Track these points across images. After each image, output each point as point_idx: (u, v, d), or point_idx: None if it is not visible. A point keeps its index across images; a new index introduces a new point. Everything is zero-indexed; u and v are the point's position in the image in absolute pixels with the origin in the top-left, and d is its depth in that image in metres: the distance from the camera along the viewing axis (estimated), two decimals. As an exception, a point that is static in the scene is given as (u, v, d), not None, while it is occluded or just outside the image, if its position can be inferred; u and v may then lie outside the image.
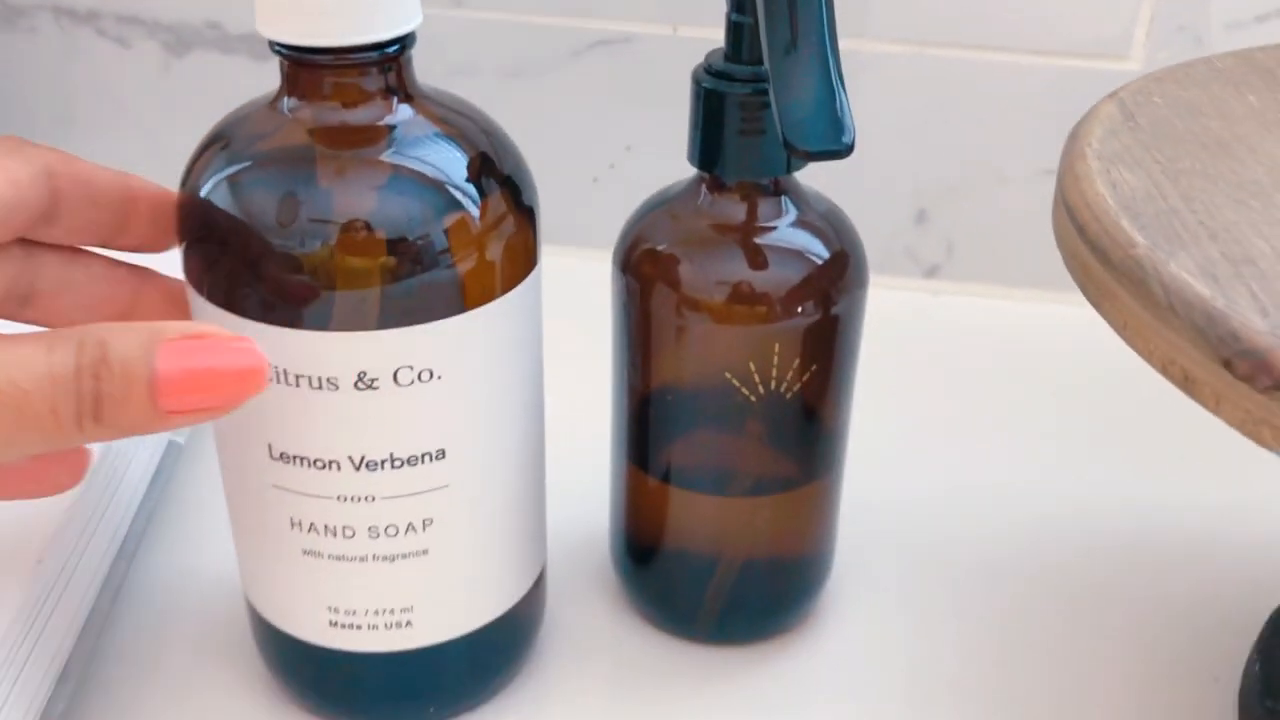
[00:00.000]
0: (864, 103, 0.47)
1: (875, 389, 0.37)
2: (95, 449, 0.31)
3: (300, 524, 0.26)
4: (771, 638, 0.32)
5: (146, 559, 0.34)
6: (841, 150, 0.24)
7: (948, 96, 0.46)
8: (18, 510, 0.29)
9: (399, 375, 0.24)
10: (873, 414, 0.36)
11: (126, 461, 0.33)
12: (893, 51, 0.46)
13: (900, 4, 0.45)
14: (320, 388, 0.24)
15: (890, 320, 0.46)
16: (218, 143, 0.25)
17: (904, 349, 0.45)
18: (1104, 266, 0.21)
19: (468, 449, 0.26)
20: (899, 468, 0.39)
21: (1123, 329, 0.20)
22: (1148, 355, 0.20)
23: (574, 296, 0.37)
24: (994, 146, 0.47)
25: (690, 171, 0.29)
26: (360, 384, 0.24)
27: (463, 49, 0.48)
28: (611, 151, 0.49)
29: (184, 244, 0.25)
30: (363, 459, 0.25)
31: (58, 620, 0.28)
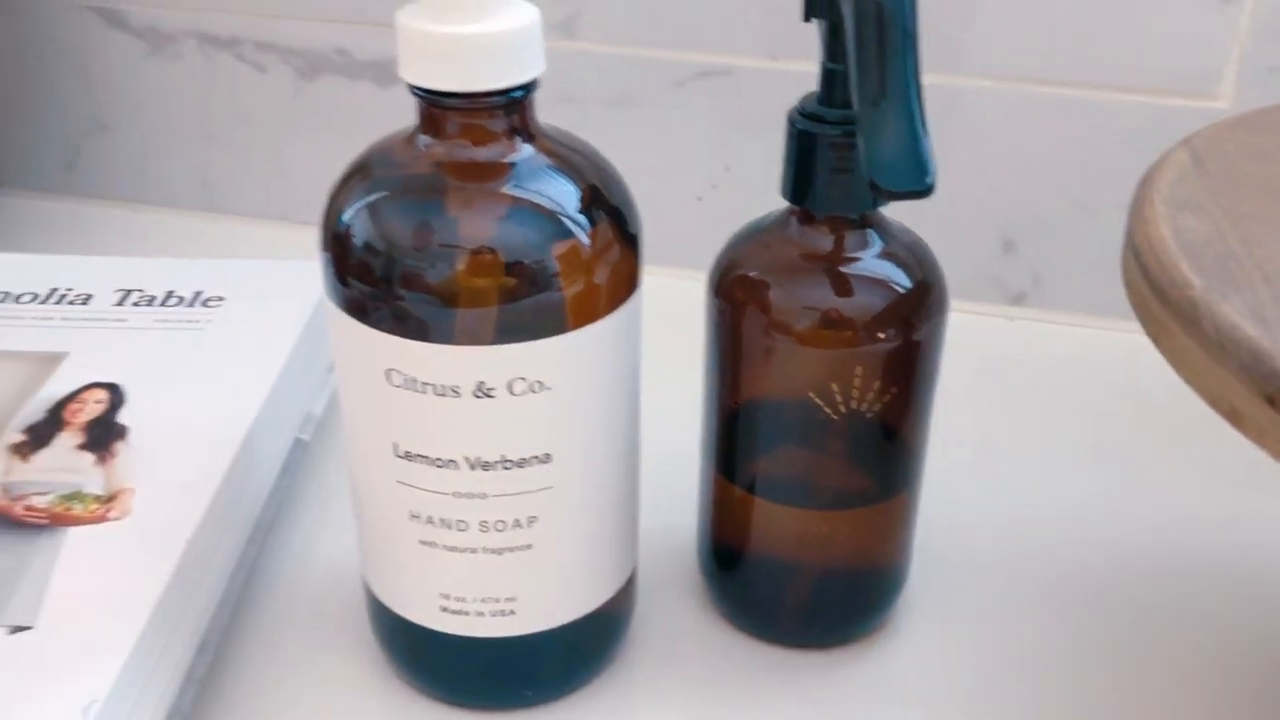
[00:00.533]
0: (955, 133, 0.49)
1: (959, 410, 0.39)
2: (234, 442, 0.34)
3: (419, 516, 0.29)
4: (847, 643, 0.34)
5: (275, 544, 0.37)
6: (924, 190, 0.26)
7: (1038, 130, 0.48)
8: (172, 493, 0.32)
9: (513, 386, 0.27)
10: (955, 434, 0.38)
11: (260, 455, 0.36)
12: (985, 86, 0.48)
13: (993, 41, 0.47)
14: (444, 394, 0.27)
15: (975, 345, 0.47)
16: (360, 172, 0.28)
17: (988, 373, 0.47)
18: (1162, 305, 0.23)
19: (571, 454, 0.28)
20: (979, 487, 0.41)
21: (1177, 364, 0.22)
22: (1199, 389, 0.21)
23: (675, 311, 0.39)
24: (1083, 179, 0.48)
25: (782, 200, 0.31)
26: (479, 392, 0.27)
27: (572, 77, 0.51)
28: (713, 172, 0.52)
29: (325, 260, 0.28)
30: (477, 459, 0.28)
31: (201, 594, 0.32)
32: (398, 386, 0.27)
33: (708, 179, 0.52)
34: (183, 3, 0.55)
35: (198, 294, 0.41)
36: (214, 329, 0.40)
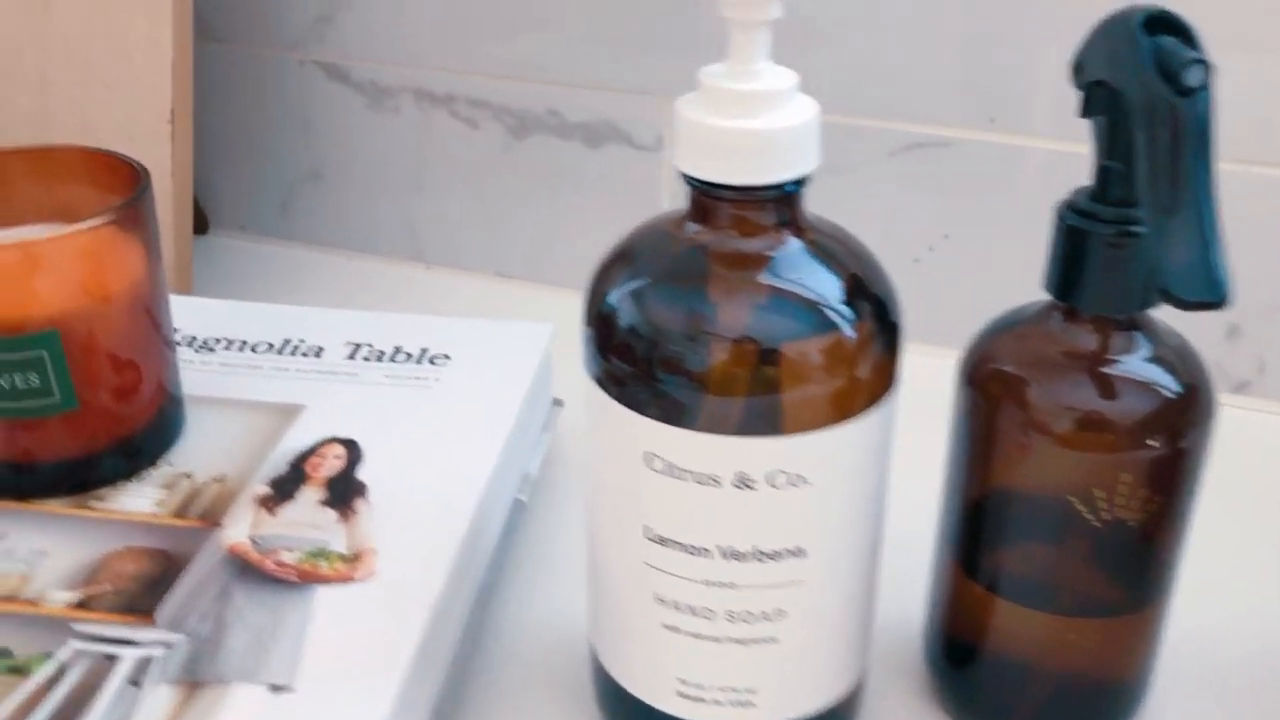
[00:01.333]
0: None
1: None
2: (471, 503, 0.35)
3: (664, 600, 0.29)
4: (1080, 754, 0.33)
5: (496, 606, 0.38)
6: (1218, 303, 0.25)
7: (1271, 214, 0.46)
8: (415, 555, 0.33)
9: (774, 478, 0.27)
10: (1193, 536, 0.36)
11: (489, 517, 0.37)
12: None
13: (1223, 123, 0.45)
14: (703, 483, 0.27)
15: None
16: (625, 257, 0.28)
17: (1210, 465, 0.44)
18: None
19: (824, 549, 0.28)
20: (1224, 597, 0.38)
21: None
22: None
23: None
24: (1320, 266, 0.46)
25: (1038, 293, 0.30)
26: (739, 483, 0.27)
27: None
28: (930, 238, 0.51)
29: (588, 337, 0.28)
30: (730, 549, 0.28)
31: (439, 657, 0.32)
32: (657, 471, 0.27)
33: (925, 244, 0.51)
34: (403, 60, 0.57)
35: (424, 351, 0.42)
36: (441, 387, 0.41)
